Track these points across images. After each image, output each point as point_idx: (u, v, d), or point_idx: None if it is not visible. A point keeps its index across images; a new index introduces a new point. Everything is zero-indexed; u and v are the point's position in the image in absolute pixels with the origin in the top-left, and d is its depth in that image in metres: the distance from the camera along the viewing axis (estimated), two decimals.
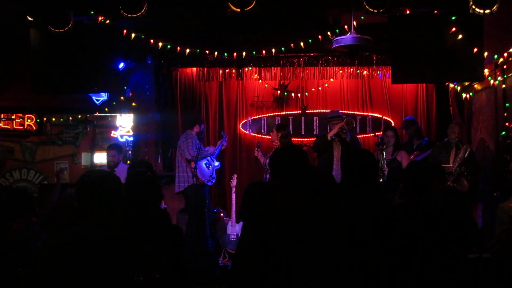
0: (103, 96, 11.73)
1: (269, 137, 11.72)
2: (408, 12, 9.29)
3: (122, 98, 11.86)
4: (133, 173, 5.79)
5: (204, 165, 10.58)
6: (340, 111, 10.79)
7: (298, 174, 3.76)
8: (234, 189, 10.72)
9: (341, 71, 12.29)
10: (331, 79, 12.42)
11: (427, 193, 5.02)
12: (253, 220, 3.67)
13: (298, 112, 12.60)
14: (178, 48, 10.61)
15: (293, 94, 12.61)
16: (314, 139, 10.76)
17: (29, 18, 8.97)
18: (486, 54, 9.24)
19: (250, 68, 12.23)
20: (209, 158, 10.72)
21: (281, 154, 4.04)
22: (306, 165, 3.89)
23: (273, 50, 10.84)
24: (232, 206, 10.71)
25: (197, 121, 11.01)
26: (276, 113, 12.71)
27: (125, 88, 11.61)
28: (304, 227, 3.43)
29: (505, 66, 9.68)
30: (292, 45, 10.59)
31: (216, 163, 10.95)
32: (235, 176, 10.95)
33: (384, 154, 9.80)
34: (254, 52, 11.03)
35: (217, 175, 11.31)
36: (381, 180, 9.53)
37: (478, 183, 10.13)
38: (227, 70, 12.29)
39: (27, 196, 6.62)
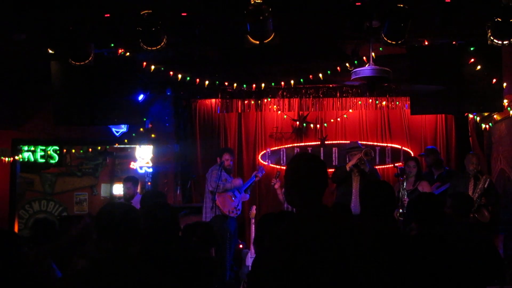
0: (123, 128, 11.78)
1: None
2: (426, 43, 9.30)
3: (141, 129, 11.90)
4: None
5: (228, 196, 10.51)
6: (359, 142, 10.78)
7: (320, 187, 3.49)
8: (253, 220, 10.69)
9: (360, 102, 12.28)
10: (350, 110, 12.42)
11: (443, 224, 4.99)
12: (267, 243, 3.48)
13: (317, 143, 12.59)
14: (198, 80, 10.67)
15: (312, 125, 12.61)
16: (333, 170, 10.68)
17: (50, 51, 9.06)
18: (505, 84, 9.22)
19: (269, 99, 12.26)
20: (235, 189, 10.65)
21: (300, 163, 3.61)
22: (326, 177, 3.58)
23: (292, 82, 10.87)
24: (251, 237, 10.66)
25: (217, 153, 10.95)
26: (295, 144, 12.72)
27: (145, 119, 11.67)
28: (320, 249, 3.20)
29: None
30: (311, 76, 10.61)
31: (243, 194, 10.82)
32: (254, 207, 10.93)
33: (405, 185, 9.77)
34: (273, 84, 11.08)
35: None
36: (400, 210, 9.50)
37: (499, 213, 10.06)
38: (246, 102, 12.32)
39: (47, 225, 6.66)
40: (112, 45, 9.44)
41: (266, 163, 12.62)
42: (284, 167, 12.03)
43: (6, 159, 11.92)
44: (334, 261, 3.15)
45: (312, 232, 3.25)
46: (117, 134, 11.94)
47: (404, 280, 4.29)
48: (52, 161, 13.72)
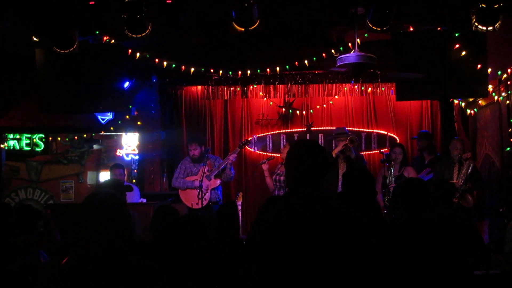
0: (109, 115, 11.75)
1: (274, 154, 11.72)
2: (411, 29, 9.33)
3: (127, 117, 11.88)
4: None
5: (188, 190, 10.34)
6: (346, 128, 10.79)
7: (319, 175, 3.46)
8: (239, 208, 10.66)
9: (345, 88, 12.27)
10: (336, 96, 12.41)
11: (429, 210, 5.01)
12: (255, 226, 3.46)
13: (303, 129, 12.59)
14: (183, 67, 10.63)
15: (298, 112, 12.62)
16: None
17: (35, 39, 9.00)
18: (489, 70, 9.26)
19: (255, 86, 12.22)
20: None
21: (304, 149, 3.59)
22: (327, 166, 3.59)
23: (278, 68, 10.85)
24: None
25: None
26: (281, 131, 12.72)
27: (130, 107, 11.62)
28: (305, 237, 3.17)
29: (509, 82, 9.71)
30: (296, 63, 10.59)
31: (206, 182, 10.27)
32: (240, 194, 10.90)
33: (392, 171, 9.81)
34: (258, 70, 11.04)
35: (222, 193, 10.77)
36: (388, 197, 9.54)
37: (484, 198, 10.12)
38: (232, 88, 12.27)
39: (32, 212, 6.65)
40: (97, 32, 9.43)
41: (252, 150, 12.61)
42: (270, 154, 12.06)
43: None
44: (324, 246, 3.16)
45: (305, 217, 3.24)
46: (103, 122, 11.90)
47: (390, 268, 4.31)
48: (37, 149, 13.68)
